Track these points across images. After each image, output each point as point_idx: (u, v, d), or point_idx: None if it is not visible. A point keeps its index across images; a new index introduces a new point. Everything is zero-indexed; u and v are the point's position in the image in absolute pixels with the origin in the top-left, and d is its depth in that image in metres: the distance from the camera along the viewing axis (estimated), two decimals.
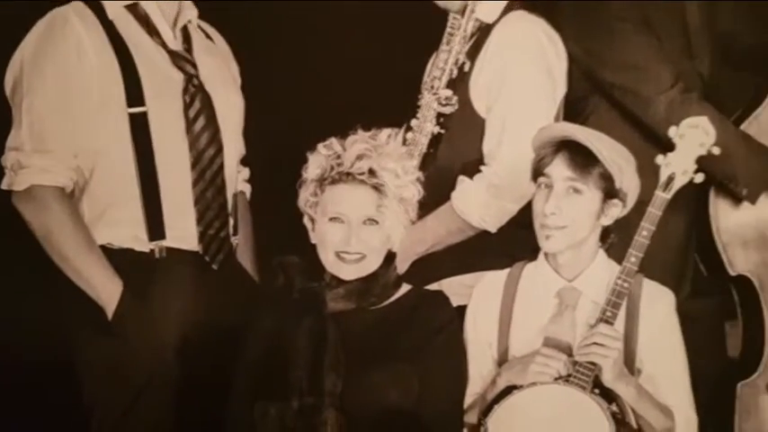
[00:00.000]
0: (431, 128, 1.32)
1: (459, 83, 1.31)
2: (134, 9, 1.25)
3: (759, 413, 1.38)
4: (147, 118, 1.23)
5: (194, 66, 1.25)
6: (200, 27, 1.32)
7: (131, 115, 1.22)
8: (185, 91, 1.24)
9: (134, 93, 1.22)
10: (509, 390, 1.24)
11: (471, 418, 1.26)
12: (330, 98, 1.36)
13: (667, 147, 1.20)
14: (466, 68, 1.31)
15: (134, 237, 1.22)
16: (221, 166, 1.25)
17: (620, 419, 1.26)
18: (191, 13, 1.26)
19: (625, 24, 1.31)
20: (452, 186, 1.34)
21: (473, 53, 1.31)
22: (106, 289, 1.18)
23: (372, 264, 1.16)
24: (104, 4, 1.25)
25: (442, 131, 1.33)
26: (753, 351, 1.40)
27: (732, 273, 1.40)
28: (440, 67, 1.32)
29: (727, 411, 1.40)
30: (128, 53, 1.22)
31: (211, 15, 1.32)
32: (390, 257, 1.21)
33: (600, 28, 1.33)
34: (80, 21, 1.20)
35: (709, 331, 1.44)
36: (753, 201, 1.34)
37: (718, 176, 1.32)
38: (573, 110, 1.37)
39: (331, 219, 1.14)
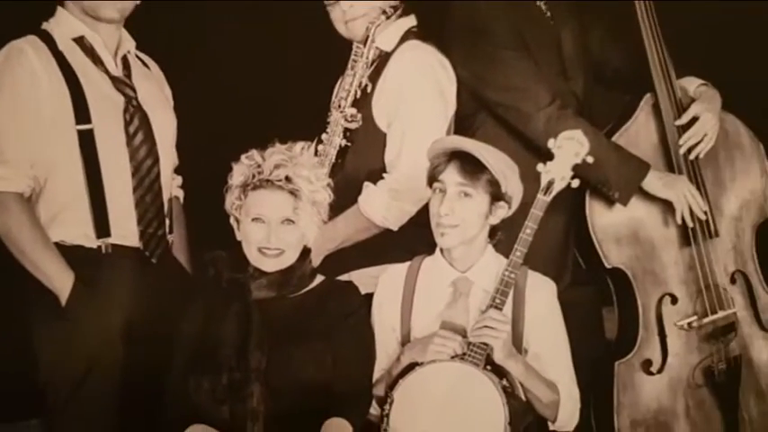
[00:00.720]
0: (339, 141, 1.46)
1: (363, 102, 1.45)
2: (80, 41, 1.39)
3: (634, 388, 1.54)
4: (93, 134, 1.37)
5: (133, 89, 1.39)
6: (137, 56, 1.41)
7: (79, 131, 1.37)
8: (126, 111, 1.38)
9: (81, 112, 1.36)
10: (412, 366, 1.37)
11: (379, 390, 1.37)
12: (251, 116, 1.48)
13: (547, 156, 1.33)
14: (368, 90, 1.46)
15: (84, 235, 1.36)
16: (158, 175, 1.40)
17: (510, 392, 1.39)
18: (129, 44, 1.41)
19: (506, 51, 1.44)
20: (359, 191, 1.48)
21: (374, 77, 1.45)
22: (60, 279, 1.32)
23: (290, 258, 1.31)
24: (55, 37, 1.31)
25: (349, 144, 1.48)
26: (627, 334, 1.54)
27: (607, 265, 1.53)
28: (346, 89, 1.47)
29: (607, 387, 1.52)
30: (75, 79, 1.36)
31: (147, 45, 1.39)
32: (306, 252, 1.35)
33: (484, 54, 1.46)
34: (33, 51, 1.33)
35: (588, 316, 1.56)
36: (624, 203, 1.47)
37: (593, 182, 1.46)
38: (463, 125, 1.51)
39: (253, 219, 1.29)
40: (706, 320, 1.50)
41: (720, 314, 1.50)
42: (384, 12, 1.43)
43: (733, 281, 1.53)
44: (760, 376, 1.53)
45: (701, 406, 1.52)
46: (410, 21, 1.46)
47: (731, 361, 1.51)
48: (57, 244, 1.37)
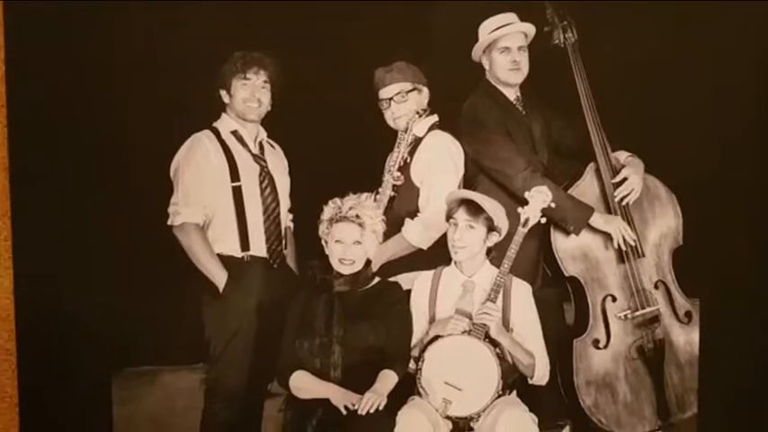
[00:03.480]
0: (389, 193, 2.01)
1: (404, 169, 2.00)
2: (235, 133, 1.97)
3: (587, 358, 2.03)
4: (240, 189, 1.95)
5: (265, 161, 1.98)
6: (268, 141, 1.98)
7: (233, 187, 1.93)
8: (260, 174, 1.97)
9: (234, 175, 1.94)
10: (436, 338, 1.90)
11: (415, 353, 1.92)
12: (335, 176, 1.93)
13: (524, 202, 1.90)
14: (408, 161, 2.01)
15: (233, 249, 1.96)
16: (278, 214, 1.99)
17: (501, 357, 1.90)
18: (263, 134, 2.00)
19: (496, 135, 1.98)
20: (401, 224, 1.99)
21: (411, 153, 2.00)
22: (219, 276, 1.92)
23: (358, 266, 1.92)
24: (220, 130, 1.89)
25: (395, 194, 2.01)
26: (581, 321, 2.04)
27: (566, 274, 2.04)
28: (394, 160, 2.02)
29: (568, 357, 2.02)
30: (231, 155, 1.94)
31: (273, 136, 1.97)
32: (368, 263, 1.94)
33: (482, 138, 1.99)
34: (208, 139, 1.94)
35: (554, 308, 2.07)
36: (577, 234, 2.01)
37: (555, 219, 1.99)
38: (468, 183, 2.03)
39: (336, 241, 1.90)
40: (637, 313, 2.01)
41: (647, 309, 2.01)
42: (418, 113, 1.97)
43: (656, 287, 2.02)
44: (678, 353, 2.02)
45: (636, 373, 2.02)
46: (434, 118, 2.01)
47: (657, 342, 2.01)
48: (218, 254, 1.90)
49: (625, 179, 1.99)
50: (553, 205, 1.95)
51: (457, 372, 1.92)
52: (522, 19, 1.93)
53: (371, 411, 1.85)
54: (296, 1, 1.89)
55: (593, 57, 1.94)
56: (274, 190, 1.98)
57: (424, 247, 2.02)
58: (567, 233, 2.03)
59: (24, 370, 1.91)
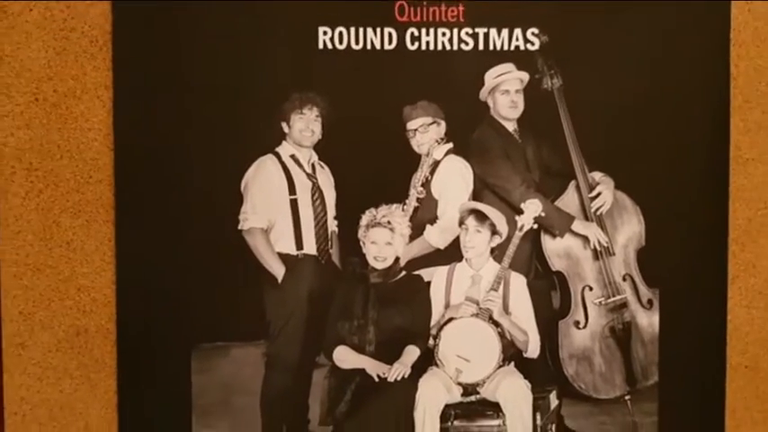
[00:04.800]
0: (414, 204, 2.23)
1: (426, 185, 2.22)
2: (293, 157, 2.19)
3: (569, 336, 2.27)
4: (297, 201, 2.19)
5: (316, 179, 2.19)
6: (319, 162, 2.21)
7: (291, 200, 2.18)
8: (312, 189, 2.19)
9: (291, 189, 2.17)
10: (451, 319, 2.20)
11: (433, 332, 2.20)
12: (371, 192, 2.20)
13: (520, 212, 2.20)
14: (429, 179, 2.22)
15: (290, 248, 2.18)
16: (326, 221, 2.21)
17: (502, 335, 2.21)
18: (315, 156, 2.17)
19: (498, 159, 2.22)
20: (423, 229, 2.25)
21: (432, 172, 2.23)
22: (278, 269, 2.16)
23: (389, 262, 2.20)
24: (281, 154, 2.18)
25: (418, 205, 2.23)
26: (565, 306, 2.28)
27: (553, 269, 2.28)
28: (417, 178, 2.22)
29: (555, 335, 2.27)
30: (290, 174, 2.18)
31: (323, 158, 2.20)
32: (397, 260, 2.21)
33: (487, 160, 2.23)
34: (271, 161, 2.16)
35: (544, 296, 2.29)
36: (562, 236, 2.26)
37: (545, 225, 2.25)
38: (476, 196, 2.25)
39: (371, 242, 2.18)
40: (609, 300, 2.27)
41: (617, 297, 2.27)
42: (437, 141, 2.20)
43: (624, 279, 2.27)
44: (642, 333, 2.26)
45: (609, 348, 2.27)
46: (450, 145, 2.21)
47: (625, 324, 2.27)
48: (278, 253, 2.18)
49: (599, 194, 2.27)
50: (543, 214, 2.26)
51: (466, 347, 2.25)
52: (519, 68, 2.17)
53: (398, 379, 2.17)
54: (341, 53, 2.12)
55: (574, 98, 2.18)
56: (323, 202, 2.23)
57: (442, 247, 2.28)
58: (554, 236, 2.29)
59: (121, 346, 2.16)
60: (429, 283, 2.26)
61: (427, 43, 2.15)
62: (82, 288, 2.16)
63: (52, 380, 2.17)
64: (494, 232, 2.24)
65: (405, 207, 2.25)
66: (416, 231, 2.27)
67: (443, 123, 2.23)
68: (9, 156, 2.12)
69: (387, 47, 2.14)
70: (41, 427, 2.17)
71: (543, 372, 2.27)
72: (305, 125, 2.20)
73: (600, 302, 2.29)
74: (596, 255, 2.28)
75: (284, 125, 2.21)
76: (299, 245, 2.23)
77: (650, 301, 2.27)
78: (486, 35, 2.16)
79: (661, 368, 2.25)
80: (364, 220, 2.21)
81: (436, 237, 2.27)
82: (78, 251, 2.14)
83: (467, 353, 2.21)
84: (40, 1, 2.10)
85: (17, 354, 2.16)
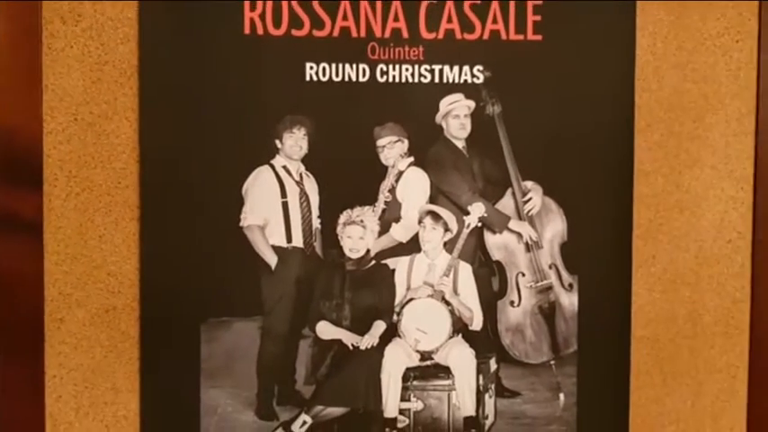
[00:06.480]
0: (382, 206, 2.38)
1: (392, 191, 2.38)
2: (284, 167, 2.30)
3: (506, 313, 2.47)
4: (287, 204, 2.33)
5: (303, 186, 2.30)
6: (306, 173, 2.33)
7: (282, 202, 2.34)
8: (300, 194, 2.33)
9: (283, 194, 2.30)
10: (410, 300, 2.41)
11: (396, 310, 2.40)
12: (347, 196, 2.39)
13: (467, 213, 2.38)
14: (394, 186, 2.39)
15: (282, 242, 2.30)
16: (311, 219, 2.33)
17: (452, 312, 2.41)
18: (302, 168, 2.29)
19: (450, 170, 2.41)
20: (390, 226, 2.42)
21: (396, 180, 2.38)
22: (271, 259, 2.29)
23: (361, 253, 2.35)
24: (275, 165, 2.33)
25: (386, 207, 2.39)
26: (503, 289, 2.48)
27: (493, 259, 2.45)
28: (385, 185, 2.39)
29: (494, 312, 2.46)
30: (282, 182, 2.31)
31: (309, 169, 2.34)
32: (368, 251, 2.37)
33: (441, 172, 2.42)
34: (267, 171, 2.27)
35: (486, 281, 2.48)
36: (500, 232, 2.44)
37: (487, 224, 2.42)
38: (433, 200, 2.44)
39: (347, 237, 2.34)
40: (538, 284, 2.48)
41: (544, 282, 2.47)
42: (401, 155, 2.36)
43: (550, 268, 2.48)
44: (564, 311, 2.47)
45: (538, 323, 2.50)
46: (411, 158, 2.39)
47: (551, 303, 2.48)
48: (272, 245, 2.34)
49: (531, 198, 2.47)
50: (485, 215, 2.43)
51: (424, 321, 2.47)
52: (467, 97, 2.42)
53: (368, 347, 2.41)
54: (324, 84, 2.37)
55: (511, 122, 2.43)
56: (309, 204, 2.40)
57: (404, 241, 2.46)
58: (494, 233, 2.49)
59: (143, 321, 2.40)
60: (394, 270, 2.47)
61: (394, 77, 2.39)
62: (111, 273, 2.41)
63: (85, 348, 2.41)
64: (446, 229, 2.45)
65: (374, 209, 2.45)
66: (384, 228, 2.47)
67: (406, 141, 2.44)
68: (53, 165, 2.35)
69: (361, 79, 2.39)
70: (75, 387, 2.40)
71: (485, 342, 2.50)
72: (294, 142, 2.40)
73: (531, 286, 2.52)
74: (528, 247, 2.51)
75: (277, 142, 2.40)
76: (289, 239, 2.41)
77: (571, 285, 2.50)
78: (441, 71, 2.41)
79: (579, 339, 2.49)
80: (342, 219, 2.41)
81: (400, 233, 2.47)
82: (108, 243, 2.39)
83: (424, 326, 2.45)
84: (79, 40, 2.34)
85: (56, 327, 2.39)
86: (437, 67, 2.43)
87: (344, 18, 2.40)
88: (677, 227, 2.52)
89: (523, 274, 2.56)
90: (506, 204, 2.54)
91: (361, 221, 2.42)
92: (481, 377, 2.47)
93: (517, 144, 2.48)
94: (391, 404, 2.41)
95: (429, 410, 2.45)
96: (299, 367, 2.46)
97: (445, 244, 2.48)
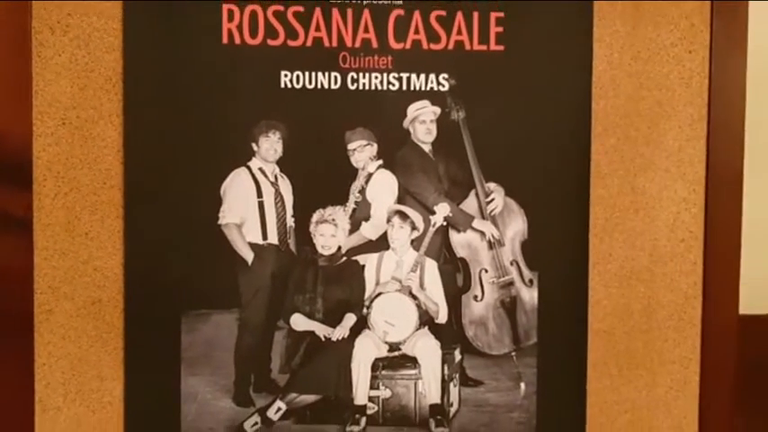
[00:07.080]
0: (353, 206, 2.44)
1: (363, 192, 2.43)
2: (261, 170, 2.35)
3: (470, 307, 2.54)
4: (263, 203, 2.40)
5: (278, 186, 2.34)
6: (280, 174, 2.37)
7: (258, 201, 2.41)
8: (275, 194, 2.40)
9: (259, 194, 2.37)
10: (379, 294, 2.49)
11: (366, 303, 2.49)
12: (320, 196, 2.44)
13: (433, 213, 2.47)
14: (364, 187, 2.44)
15: (258, 239, 2.36)
16: (285, 218, 2.37)
17: (418, 306, 2.48)
18: (277, 170, 2.32)
19: (417, 173, 2.47)
20: (360, 225, 2.48)
21: (366, 182, 2.43)
22: (248, 255, 2.35)
23: (333, 250, 2.42)
24: (251, 167, 2.38)
25: (356, 207, 2.44)
26: (467, 284, 2.55)
27: (458, 256, 2.51)
28: (356, 186, 2.43)
29: (458, 306, 2.53)
30: (258, 183, 2.37)
31: (283, 171, 2.41)
32: (339, 248, 2.45)
33: (410, 174, 2.49)
34: (243, 173, 2.31)
35: (450, 276, 2.57)
36: (465, 231, 2.50)
37: (452, 223, 2.47)
38: (400, 201, 2.48)
39: (320, 234, 2.41)
40: (500, 280, 2.55)
41: (506, 278, 2.55)
42: (371, 158, 2.43)
43: (511, 264, 2.55)
44: (525, 305, 2.56)
45: (500, 316, 2.58)
46: (380, 161, 2.45)
47: (512, 298, 2.56)
48: (249, 242, 2.40)
49: (493, 199, 2.57)
50: (450, 215, 2.49)
51: (392, 314, 2.57)
52: (433, 104, 2.51)
53: (340, 339, 2.51)
54: (298, 91, 2.46)
55: (474, 127, 2.52)
56: (283, 204, 2.48)
57: (374, 239, 2.55)
58: (459, 231, 2.57)
59: (127, 313, 2.49)
60: (364, 266, 2.55)
61: (364, 84, 2.48)
62: (97, 268, 2.50)
63: (73, 338, 2.50)
64: (413, 228, 2.54)
65: (346, 208, 2.53)
66: (354, 227, 2.55)
67: (376, 145, 2.52)
68: (42, 167, 2.44)
69: (333, 87, 2.48)
70: (63, 374, 2.49)
71: (450, 334, 2.60)
72: (270, 145, 2.48)
73: (493, 281, 2.60)
74: (490, 245, 2.59)
75: (254, 145, 2.48)
76: (265, 236, 2.49)
77: (531, 281, 2.59)
78: (409, 79, 2.50)
79: (539, 332, 2.58)
80: (314, 217, 2.50)
81: (370, 231, 2.56)
82: (95, 240, 2.48)
83: (392, 319, 2.54)
84: (67, 49, 2.45)
85: (45, 318, 2.49)
86: (405, 76, 2.53)
87: (317, 29, 2.51)
88: (632, 226, 2.61)
89: (486, 271, 2.65)
90: (470, 204, 2.64)
91: (333, 220, 2.51)
92: (446, 367, 2.59)
93: (480, 148, 2.58)
94: (361, 392, 2.54)
95: (397, 398, 2.56)
96: (275, 357, 2.55)
97: (412, 242, 2.57)
